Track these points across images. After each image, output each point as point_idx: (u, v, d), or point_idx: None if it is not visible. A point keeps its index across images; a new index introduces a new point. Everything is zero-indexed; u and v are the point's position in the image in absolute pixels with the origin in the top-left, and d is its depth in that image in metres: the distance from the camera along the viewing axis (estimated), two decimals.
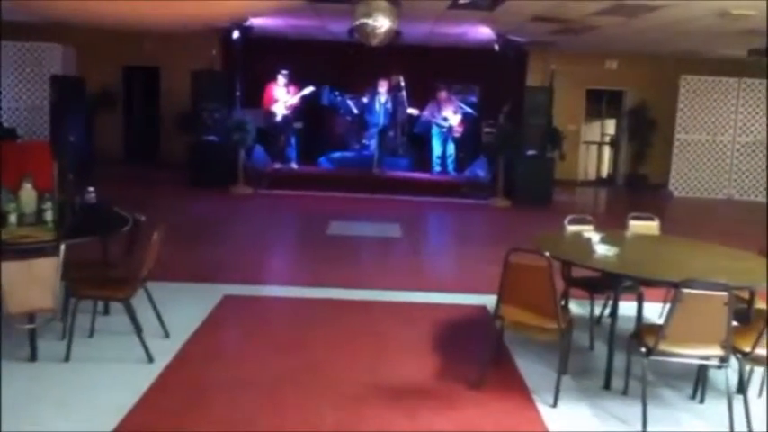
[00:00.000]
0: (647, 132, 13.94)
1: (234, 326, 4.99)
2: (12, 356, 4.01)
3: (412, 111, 12.46)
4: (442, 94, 12.45)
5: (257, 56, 12.36)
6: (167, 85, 13.81)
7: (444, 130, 12.39)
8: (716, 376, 4.07)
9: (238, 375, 4.01)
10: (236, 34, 11.24)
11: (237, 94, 11.93)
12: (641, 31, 10.27)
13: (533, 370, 4.24)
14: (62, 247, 3.87)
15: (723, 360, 3.49)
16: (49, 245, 3.97)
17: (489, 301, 4.93)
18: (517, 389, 3.99)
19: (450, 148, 12.56)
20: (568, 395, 3.89)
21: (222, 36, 11.72)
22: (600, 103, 15.00)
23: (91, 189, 5.05)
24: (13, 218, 4.27)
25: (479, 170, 12.17)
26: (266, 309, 5.46)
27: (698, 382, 3.96)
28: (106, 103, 13.46)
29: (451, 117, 12.34)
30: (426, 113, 12.45)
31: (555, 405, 3.75)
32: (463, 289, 6.08)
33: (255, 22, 11.28)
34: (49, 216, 4.40)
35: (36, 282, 3.80)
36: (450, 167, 12.59)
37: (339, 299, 5.64)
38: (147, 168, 13.44)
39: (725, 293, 3.32)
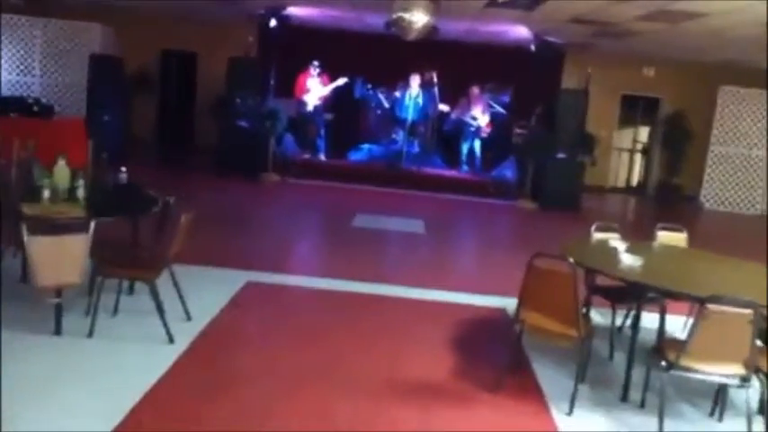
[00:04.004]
0: (681, 142, 13.68)
1: (254, 312, 5.04)
2: (37, 330, 4.10)
3: (443, 107, 12.39)
4: (475, 90, 12.35)
5: (293, 45, 12.41)
6: (204, 70, 13.94)
7: (473, 129, 12.32)
8: (736, 395, 4.00)
9: (256, 362, 4.06)
10: (273, 22, 11.30)
11: (272, 82, 11.99)
12: (682, 38, 10.09)
13: (550, 376, 4.22)
14: (92, 224, 3.94)
15: (745, 379, 3.43)
16: (79, 221, 4.04)
17: (509, 303, 4.92)
18: (533, 394, 3.97)
19: (477, 146, 12.48)
20: (584, 404, 3.86)
21: (260, 24, 11.78)
22: (634, 109, 14.77)
23: (123, 169, 5.12)
24: (46, 193, 4.35)
25: (507, 171, 12.09)
26: (287, 297, 5.50)
27: (717, 399, 3.90)
28: (143, 85, 13.61)
29: (480, 116, 12.26)
30: (456, 112, 12.39)
31: (570, 413, 3.73)
32: (483, 290, 6.05)
33: (293, 11, 11.33)
34: (81, 193, 4.47)
35: (65, 257, 3.88)
36: (477, 166, 12.51)
37: (360, 292, 5.67)
38: (180, 152, 13.60)
39: (750, 311, 3.27)
